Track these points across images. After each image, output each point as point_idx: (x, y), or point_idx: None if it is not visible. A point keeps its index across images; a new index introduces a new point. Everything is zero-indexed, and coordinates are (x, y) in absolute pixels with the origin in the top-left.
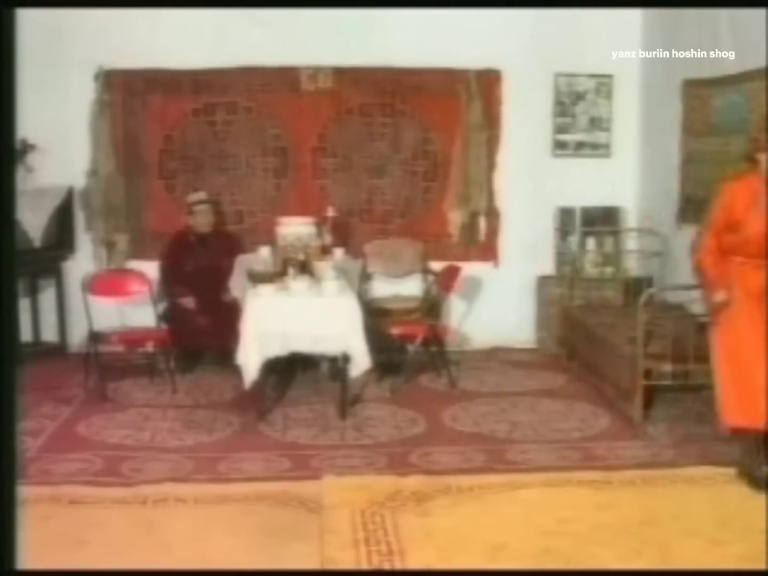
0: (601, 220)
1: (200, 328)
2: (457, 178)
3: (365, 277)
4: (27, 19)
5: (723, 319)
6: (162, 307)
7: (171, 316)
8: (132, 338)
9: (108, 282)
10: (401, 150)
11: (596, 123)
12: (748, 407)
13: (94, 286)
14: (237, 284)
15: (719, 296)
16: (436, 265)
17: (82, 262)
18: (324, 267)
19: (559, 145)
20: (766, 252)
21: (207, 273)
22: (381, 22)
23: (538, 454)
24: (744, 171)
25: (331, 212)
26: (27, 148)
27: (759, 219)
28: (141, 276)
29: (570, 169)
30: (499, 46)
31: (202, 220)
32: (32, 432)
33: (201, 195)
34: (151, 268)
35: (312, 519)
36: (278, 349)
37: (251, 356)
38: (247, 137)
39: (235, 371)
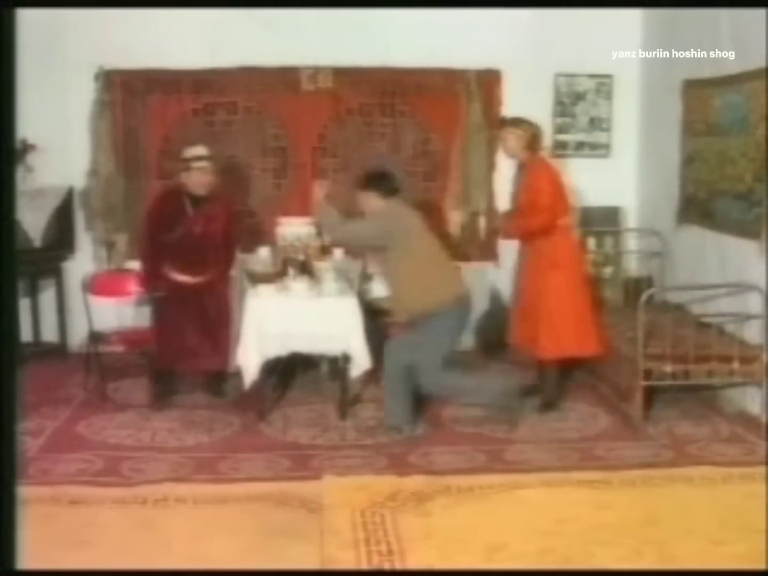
0: (601, 220)
1: (187, 339)
2: (457, 178)
3: (365, 277)
4: (27, 19)
5: None
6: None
7: (154, 315)
8: (132, 338)
9: (108, 282)
10: (401, 150)
11: (596, 123)
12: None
13: (94, 286)
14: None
15: None
16: None
17: (82, 262)
18: (324, 267)
19: (559, 145)
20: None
21: (198, 244)
22: (381, 22)
23: (537, 454)
24: None
25: None
26: (27, 148)
27: None
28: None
29: (570, 169)
30: (499, 47)
31: (199, 179)
32: (32, 432)
33: (199, 150)
34: None
35: (312, 519)
36: (278, 349)
37: (251, 356)
38: (247, 137)
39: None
